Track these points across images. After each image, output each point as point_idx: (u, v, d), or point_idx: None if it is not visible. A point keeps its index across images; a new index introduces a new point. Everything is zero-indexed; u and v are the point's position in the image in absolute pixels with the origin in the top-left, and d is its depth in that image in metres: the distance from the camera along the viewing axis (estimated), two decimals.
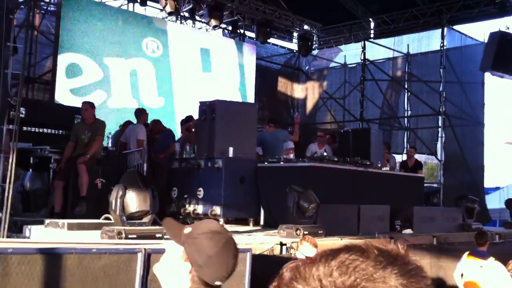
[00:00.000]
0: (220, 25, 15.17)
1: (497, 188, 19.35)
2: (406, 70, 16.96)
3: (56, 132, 8.72)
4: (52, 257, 3.33)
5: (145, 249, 3.64)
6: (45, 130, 8.76)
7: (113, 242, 4.89)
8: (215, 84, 15.08)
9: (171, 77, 14.33)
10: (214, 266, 1.66)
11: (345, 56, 18.24)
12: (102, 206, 7.13)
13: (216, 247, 1.68)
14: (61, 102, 11.49)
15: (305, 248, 5.02)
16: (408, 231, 8.42)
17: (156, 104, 13.65)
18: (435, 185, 14.61)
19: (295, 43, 18.18)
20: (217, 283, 1.68)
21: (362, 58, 16.14)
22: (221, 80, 15.42)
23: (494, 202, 15.45)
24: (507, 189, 15.95)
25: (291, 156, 9.61)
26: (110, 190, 7.37)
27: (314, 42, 17.68)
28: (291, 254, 6.04)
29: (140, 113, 10.08)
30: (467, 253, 6.84)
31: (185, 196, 8.58)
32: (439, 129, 14.24)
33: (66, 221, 5.86)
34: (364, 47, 16.09)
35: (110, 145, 9.86)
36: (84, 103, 8.50)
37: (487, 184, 16.19)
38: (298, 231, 6.64)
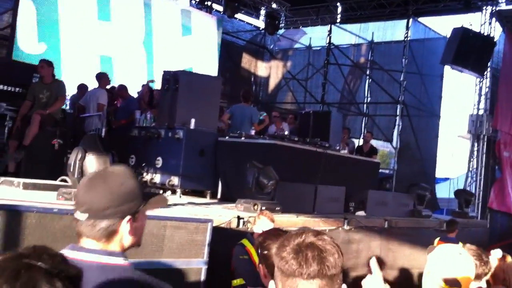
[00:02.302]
0: None
1: (447, 179, 19.98)
2: (369, 57, 17.20)
3: (13, 90, 8.42)
4: (12, 214, 3.24)
5: None
6: (1, 86, 8.45)
7: (70, 204, 4.80)
8: (114, 35, 13.32)
9: (59, 22, 12.24)
10: None
11: (310, 38, 18.31)
12: (57, 167, 7.01)
13: None
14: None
15: (262, 222, 5.09)
16: (361, 213, 8.61)
17: (35, 50, 11.65)
18: (386, 171, 14.96)
19: (262, 20, 18.12)
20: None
21: (327, 42, 16.22)
22: (122, 31, 13.56)
23: (443, 191, 15.96)
24: (456, 180, 16.49)
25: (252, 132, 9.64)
26: (66, 153, 7.25)
27: (281, 22, 17.66)
28: (247, 228, 6.08)
29: (101, 77, 9.87)
30: (437, 239, 7.16)
31: (143, 164, 8.47)
32: (397, 117, 14.56)
33: (21, 180, 5.71)
34: (330, 31, 16.16)
35: (68, 107, 9.64)
36: (41, 60, 8.28)
37: (438, 174, 16.76)
38: (255, 206, 6.68)
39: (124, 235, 1.72)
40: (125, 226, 1.71)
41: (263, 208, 6.50)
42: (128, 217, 1.72)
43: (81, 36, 12.66)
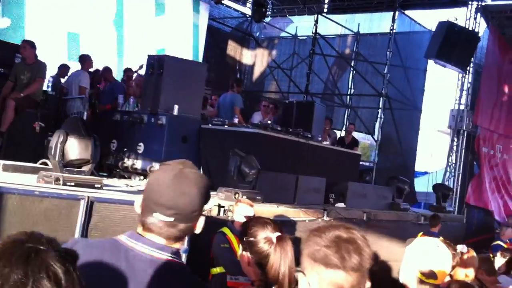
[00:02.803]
0: None
1: (426, 173, 20.25)
2: (354, 49, 17.24)
3: None
4: None
5: (88, 196, 3.58)
6: None
7: (50, 187, 4.76)
8: (82, 12, 12.65)
9: None
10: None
11: (296, 27, 18.28)
12: (39, 150, 6.95)
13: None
14: None
15: (241, 209, 5.07)
16: (341, 204, 8.68)
17: None
18: (366, 163, 15.08)
19: (249, 7, 18.03)
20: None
21: (313, 31, 16.21)
22: (92, 8, 12.93)
23: (422, 185, 16.17)
24: (435, 174, 16.71)
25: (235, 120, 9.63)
26: (47, 135, 7.19)
27: (268, 9, 17.58)
28: (228, 216, 6.11)
29: (85, 59, 9.78)
30: (420, 233, 7.41)
31: (125, 149, 8.42)
32: (379, 110, 14.63)
33: (1, 161, 5.65)
34: (316, 21, 16.14)
35: (50, 88, 9.54)
36: (23, 41, 8.21)
37: (417, 168, 16.94)
38: (236, 195, 6.69)
39: (195, 231, 1.75)
40: (200, 223, 1.74)
41: (244, 197, 6.53)
42: (203, 217, 1.75)
43: (48, 12, 12.08)
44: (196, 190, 1.68)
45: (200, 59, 14.99)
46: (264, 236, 2.51)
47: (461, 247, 4.60)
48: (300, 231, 7.07)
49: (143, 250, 1.64)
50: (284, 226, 6.93)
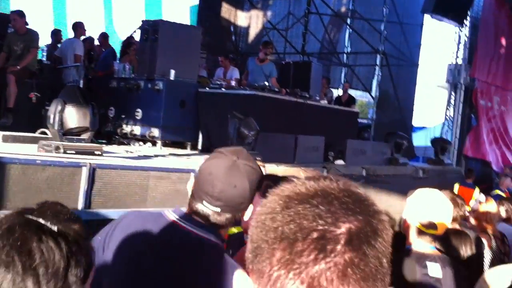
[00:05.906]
0: None
1: (424, 128, 20.28)
2: (350, 6, 17.03)
3: None
4: None
5: (90, 163, 3.62)
6: None
7: (51, 156, 4.80)
8: None
9: None
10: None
11: None
12: (36, 120, 6.97)
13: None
14: None
15: None
16: (340, 162, 8.75)
17: None
18: (364, 121, 15.11)
19: None
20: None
21: None
22: None
23: (420, 140, 16.22)
24: (433, 129, 16.76)
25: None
26: (44, 105, 7.20)
27: None
28: None
29: (78, 26, 9.68)
30: (457, 184, 7.94)
31: (123, 116, 8.43)
32: (376, 67, 14.56)
33: (0, 132, 5.67)
34: None
35: (45, 58, 9.48)
36: (12, 13, 8.08)
37: (415, 123, 16.99)
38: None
39: (244, 219, 1.76)
40: (248, 212, 1.74)
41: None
42: (252, 206, 1.74)
43: None
44: (247, 183, 1.68)
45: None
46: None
47: (480, 197, 4.66)
48: None
49: (192, 230, 1.67)
50: None
